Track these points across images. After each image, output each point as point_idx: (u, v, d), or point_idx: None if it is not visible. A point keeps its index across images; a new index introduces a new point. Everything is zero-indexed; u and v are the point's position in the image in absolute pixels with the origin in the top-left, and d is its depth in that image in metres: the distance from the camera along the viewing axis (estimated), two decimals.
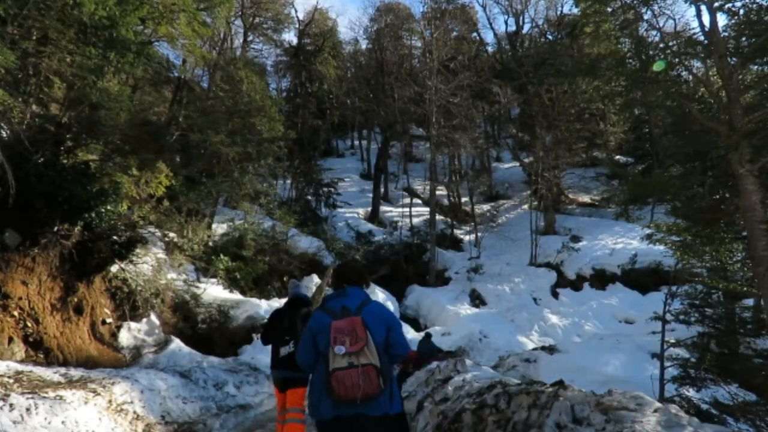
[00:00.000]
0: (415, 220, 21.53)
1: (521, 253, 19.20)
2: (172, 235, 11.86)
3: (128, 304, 8.44)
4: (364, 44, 32.45)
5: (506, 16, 31.27)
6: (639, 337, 11.62)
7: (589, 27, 8.69)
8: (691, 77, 7.21)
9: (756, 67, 6.84)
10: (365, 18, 56.26)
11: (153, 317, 8.71)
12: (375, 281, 16.60)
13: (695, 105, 6.88)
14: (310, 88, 25.04)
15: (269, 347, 3.98)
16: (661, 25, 7.13)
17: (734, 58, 6.21)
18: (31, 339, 6.33)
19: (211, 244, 13.07)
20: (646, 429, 2.80)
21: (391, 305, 15.65)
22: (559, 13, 27.04)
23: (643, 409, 3.06)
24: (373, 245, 19.24)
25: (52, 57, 6.42)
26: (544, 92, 21.05)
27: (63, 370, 5.97)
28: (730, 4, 6.07)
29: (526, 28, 30.01)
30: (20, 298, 6.37)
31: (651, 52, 6.82)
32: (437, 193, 21.80)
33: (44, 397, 4.59)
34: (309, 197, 22.61)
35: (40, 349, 6.41)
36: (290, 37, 31.44)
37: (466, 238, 21.57)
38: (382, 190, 25.87)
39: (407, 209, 22.11)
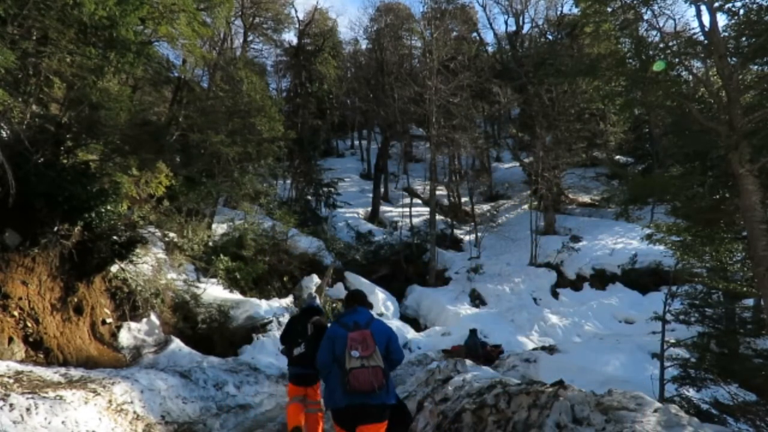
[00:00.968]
0: (415, 220, 21.53)
1: (521, 253, 19.20)
2: (172, 235, 11.86)
3: (128, 304, 8.44)
4: (364, 44, 32.51)
5: (506, 16, 31.40)
6: (639, 337, 11.62)
7: (589, 27, 8.69)
8: (691, 77, 7.21)
9: (756, 67, 6.84)
10: (365, 18, 56.39)
11: (153, 317, 8.70)
12: (375, 281, 16.63)
13: (695, 105, 6.87)
14: (310, 88, 25.03)
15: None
16: (661, 25, 7.14)
17: (734, 58, 6.21)
18: (31, 339, 6.33)
19: (211, 244, 13.06)
20: (646, 429, 2.80)
21: (391, 305, 15.66)
22: (559, 13, 27.09)
23: (643, 409, 3.06)
24: (373, 245, 19.23)
25: (52, 57, 6.42)
26: (544, 92, 21.05)
27: (63, 370, 5.97)
28: (730, 4, 6.06)
29: (526, 28, 30.08)
30: (20, 298, 6.37)
31: (651, 52, 6.81)
32: (437, 193, 21.80)
33: (44, 397, 4.59)
34: (309, 197, 22.60)
35: (40, 349, 6.41)
36: (290, 37, 31.50)
37: (466, 238, 21.57)
38: (382, 190, 25.87)
39: (407, 209, 22.11)
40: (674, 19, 7.09)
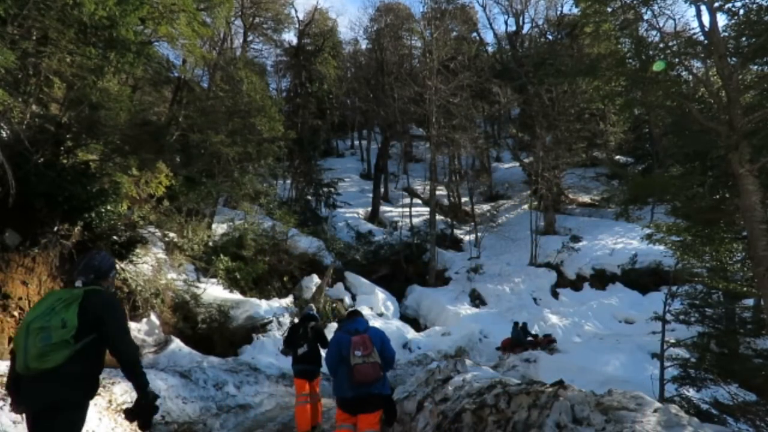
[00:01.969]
0: (415, 220, 21.53)
1: (521, 253, 19.20)
2: (172, 235, 11.86)
3: (128, 304, 8.44)
4: (364, 44, 32.52)
5: (506, 16, 31.41)
6: (639, 337, 11.61)
7: (589, 27, 8.69)
8: (691, 77, 7.21)
9: (756, 67, 6.84)
10: (365, 18, 56.43)
11: (153, 317, 8.70)
12: (375, 281, 16.63)
13: (695, 105, 6.87)
14: (310, 88, 25.03)
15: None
16: (661, 25, 7.13)
17: (734, 58, 6.21)
18: None
19: (211, 244, 13.06)
20: (646, 429, 2.80)
21: (391, 305, 15.66)
22: (559, 13, 27.10)
23: (643, 409, 3.06)
24: (373, 245, 19.22)
25: (52, 57, 6.42)
26: (544, 92, 21.05)
27: None
28: (730, 4, 6.06)
29: (526, 28, 30.11)
30: (20, 298, 6.37)
31: (651, 52, 6.81)
32: (437, 193, 21.79)
33: None
34: (309, 197, 22.60)
35: None
36: (290, 37, 31.52)
37: (466, 238, 21.57)
38: (382, 190, 25.87)
39: (407, 209, 22.11)
40: (674, 19, 7.09)
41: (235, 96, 14.78)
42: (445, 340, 13.36)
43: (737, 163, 5.77)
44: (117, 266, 2.79)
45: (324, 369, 4.56)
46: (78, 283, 2.45)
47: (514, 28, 30.40)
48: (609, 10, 7.25)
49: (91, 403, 5.10)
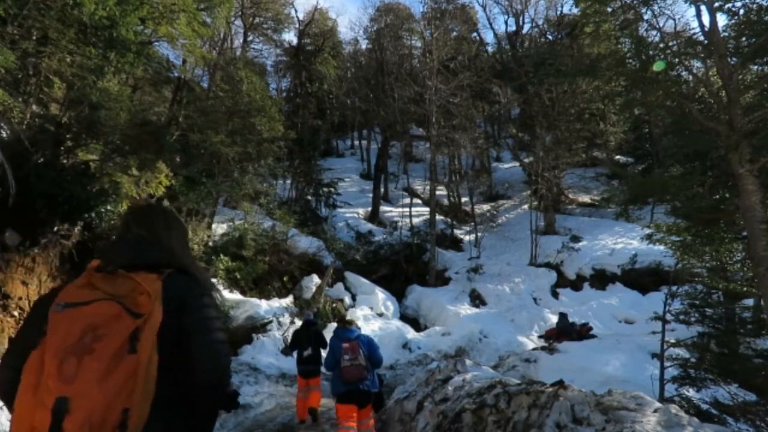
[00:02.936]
0: (415, 220, 21.52)
1: (521, 253, 19.20)
2: None
3: None
4: (364, 44, 32.51)
5: (506, 16, 31.38)
6: (639, 337, 11.59)
7: (589, 27, 8.70)
8: (691, 77, 7.21)
9: (756, 67, 6.84)
10: (365, 18, 56.36)
11: None
12: (375, 281, 16.62)
13: (695, 105, 6.87)
14: (310, 88, 25.03)
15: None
16: (661, 25, 7.14)
17: (734, 58, 6.21)
18: None
19: (211, 244, 13.06)
20: (646, 429, 2.80)
21: (391, 305, 15.66)
22: (559, 13, 27.10)
23: (643, 409, 3.06)
24: (373, 245, 19.22)
25: (52, 57, 6.42)
26: (544, 92, 21.04)
27: None
28: (730, 4, 6.06)
29: (526, 28, 30.10)
30: (20, 298, 6.38)
31: (651, 52, 6.81)
32: (437, 193, 21.79)
33: None
34: (309, 197, 22.60)
35: None
36: (290, 37, 31.55)
37: (466, 238, 21.56)
38: (382, 190, 25.86)
39: (407, 209, 22.11)
40: (674, 19, 7.09)
41: (235, 96, 14.77)
42: (445, 340, 13.35)
43: (737, 163, 5.78)
44: None
45: (323, 369, 5.49)
46: None
47: (514, 28, 30.43)
48: (609, 10, 7.25)
49: None
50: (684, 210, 7.77)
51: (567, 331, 12.22)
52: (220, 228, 14.41)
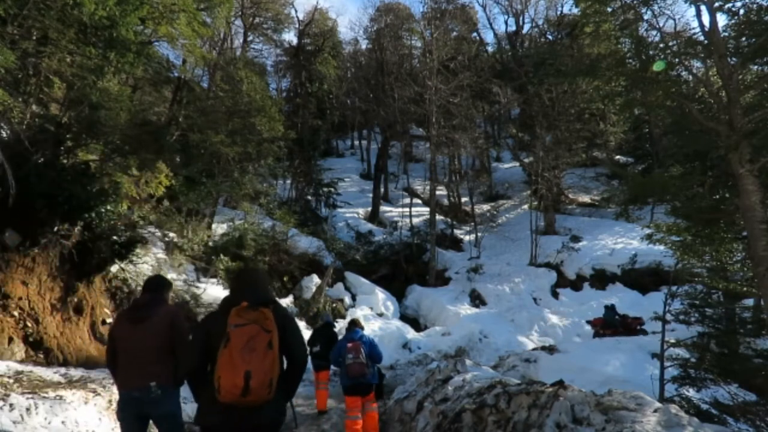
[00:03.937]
0: (415, 220, 21.52)
1: (521, 253, 19.20)
2: (172, 235, 11.86)
3: (128, 304, 8.44)
4: (364, 44, 32.50)
5: (506, 16, 31.39)
6: (639, 337, 11.60)
7: (589, 27, 8.70)
8: (691, 77, 7.21)
9: (756, 67, 6.84)
10: (365, 18, 56.35)
11: None
12: (375, 281, 16.63)
13: (695, 105, 6.87)
14: (310, 88, 25.03)
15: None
16: (661, 25, 7.13)
17: (734, 58, 6.21)
18: (31, 339, 6.33)
19: (211, 244, 13.07)
20: (646, 429, 2.80)
21: (391, 305, 15.67)
22: (559, 13, 27.10)
23: (643, 409, 3.06)
24: (373, 245, 19.22)
25: (52, 57, 6.42)
26: (544, 92, 21.04)
27: (63, 370, 5.98)
28: (730, 4, 6.06)
29: (526, 28, 30.11)
30: (20, 298, 6.37)
31: (651, 52, 6.81)
32: (437, 193, 21.79)
33: (44, 397, 4.60)
34: (309, 197, 22.60)
35: (40, 349, 6.41)
36: (290, 37, 31.52)
37: (466, 238, 21.56)
38: (382, 190, 25.86)
39: (407, 209, 22.11)
40: (674, 19, 7.09)
41: (235, 96, 14.78)
42: (445, 340, 13.35)
43: (737, 163, 5.78)
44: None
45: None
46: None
47: (514, 28, 30.44)
48: (609, 10, 7.25)
49: (92, 402, 5.09)
50: (684, 210, 7.76)
51: (612, 324, 12.14)
52: (220, 228, 14.42)
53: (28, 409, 4.28)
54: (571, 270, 17.54)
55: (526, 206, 22.45)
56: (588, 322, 13.09)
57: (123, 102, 8.14)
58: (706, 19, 6.22)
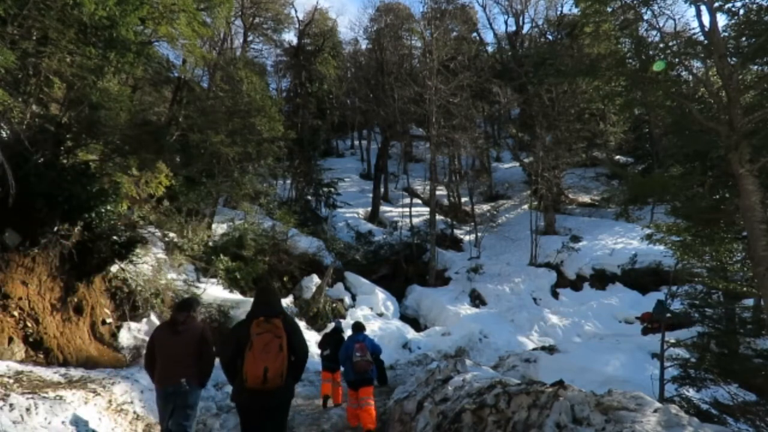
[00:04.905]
0: (415, 220, 21.53)
1: (521, 253, 19.20)
2: (172, 235, 11.85)
3: (128, 304, 8.44)
4: (364, 44, 32.51)
5: (506, 16, 31.41)
6: (639, 337, 11.61)
7: (589, 27, 8.68)
8: (691, 77, 7.21)
9: (756, 67, 6.83)
10: (365, 18, 56.44)
11: (153, 317, 8.70)
12: (375, 281, 16.63)
13: (695, 105, 6.87)
14: (310, 88, 25.03)
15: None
16: (661, 25, 7.13)
17: (734, 58, 6.20)
18: (31, 339, 6.33)
19: (211, 244, 13.05)
20: (646, 429, 2.80)
21: (391, 305, 15.67)
22: (559, 13, 27.11)
23: (643, 409, 3.06)
24: (373, 245, 19.21)
25: (52, 57, 6.42)
26: (544, 92, 21.04)
27: (63, 370, 5.98)
28: (730, 4, 6.06)
29: (526, 28, 30.12)
30: (20, 298, 6.37)
31: (651, 52, 6.81)
32: (437, 193, 21.79)
33: (44, 397, 4.60)
34: (309, 197, 22.60)
35: (40, 349, 6.40)
36: (290, 37, 31.56)
37: (466, 238, 21.56)
38: (382, 190, 25.86)
39: (407, 209, 22.11)
40: (674, 19, 7.08)
41: (235, 96, 14.78)
42: (445, 340, 13.35)
43: (737, 163, 5.77)
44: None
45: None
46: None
47: (514, 28, 30.45)
48: (609, 10, 7.25)
49: (92, 402, 5.09)
50: (684, 210, 7.76)
51: (660, 318, 12.18)
52: (220, 228, 14.41)
53: (28, 409, 4.28)
54: (571, 270, 17.54)
55: (526, 206, 22.46)
56: (637, 318, 13.20)
57: (123, 102, 8.13)
58: (706, 19, 6.22)
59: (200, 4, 10.33)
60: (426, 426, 4.68)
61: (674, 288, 8.70)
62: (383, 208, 24.38)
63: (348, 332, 7.55)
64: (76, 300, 7.31)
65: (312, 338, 11.72)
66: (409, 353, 12.71)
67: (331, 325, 11.61)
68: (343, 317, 13.41)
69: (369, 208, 23.94)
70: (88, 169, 7.76)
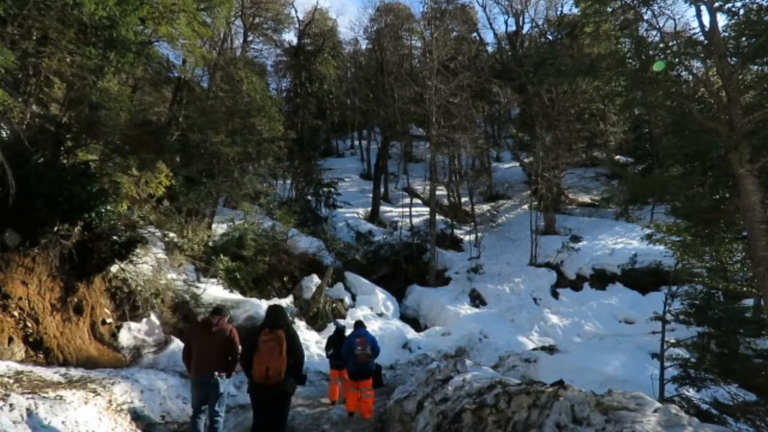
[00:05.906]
0: (415, 220, 21.53)
1: (521, 253, 19.20)
2: (172, 235, 11.85)
3: (128, 304, 8.44)
4: (364, 44, 32.50)
5: (506, 16, 31.40)
6: (639, 337, 11.61)
7: (589, 27, 8.68)
8: (691, 77, 7.21)
9: (756, 67, 6.83)
10: (365, 18, 56.43)
11: (153, 317, 8.70)
12: (375, 281, 16.62)
13: (695, 105, 6.87)
14: (310, 88, 25.02)
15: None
16: (661, 25, 7.13)
17: (734, 58, 6.21)
18: (31, 339, 6.33)
19: (211, 244, 13.05)
20: (646, 429, 2.80)
21: (391, 305, 15.67)
22: (559, 13, 27.09)
23: (643, 409, 3.06)
24: (373, 245, 19.20)
25: (52, 57, 6.42)
26: (544, 92, 21.03)
27: (63, 370, 5.98)
28: (730, 4, 6.06)
29: (526, 28, 30.09)
30: (20, 298, 6.37)
31: (651, 52, 6.81)
32: (437, 193, 21.78)
33: (44, 397, 4.60)
34: (309, 197, 22.59)
35: (40, 349, 6.41)
36: (290, 37, 31.57)
37: (466, 238, 21.56)
38: (382, 190, 25.86)
39: (407, 209, 22.11)
40: (674, 19, 7.09)
41: (235, 96, 14.77)
42: (445, 340, 13.35)
43: (737, 163, 5.78)
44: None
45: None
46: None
47: (514, 28, 30.43)
48: (609, 10, 7.25)
49: (92, 402, 5.09)
50: (684, 210, 7.77)
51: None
52: (220, 228, 14.40)
53: (28, 409, 4.28)
54: (571, 270, 17.54)
55: (526, 206, 22.45)
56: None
57: (123, 102, 8.13)
58: (706, 19, 6.22)
59: (200, 4, 10.33)
60: (426, 426, 4.68)
61: (674, 288, 8.71)
62: (383, 208, 24.38)
63: (349, 332, 7.70)
64: (76, 300, 7.31)
65: (312, 338, 11.72)
66: (409, 353, 12.71)
67: (331, 326, 11.68)
68: (343, 317, 13.40)
69: (369, 208, 23.93)
70: (88, 169, 7.77)
